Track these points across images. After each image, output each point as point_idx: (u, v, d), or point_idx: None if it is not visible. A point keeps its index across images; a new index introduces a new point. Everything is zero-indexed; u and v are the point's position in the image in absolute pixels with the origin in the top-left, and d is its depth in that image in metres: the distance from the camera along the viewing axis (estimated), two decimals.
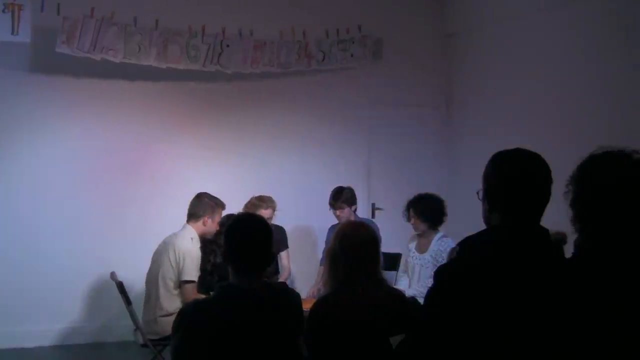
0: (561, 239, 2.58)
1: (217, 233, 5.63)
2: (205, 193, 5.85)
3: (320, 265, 6.94)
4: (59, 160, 7.34)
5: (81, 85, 7.39)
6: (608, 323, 1.79)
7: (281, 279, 6.71)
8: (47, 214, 7.27)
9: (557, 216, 2.49)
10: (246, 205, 6.60)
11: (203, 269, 5.66)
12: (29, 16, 6.61)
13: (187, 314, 3.15)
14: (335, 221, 6.68)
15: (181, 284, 5.51)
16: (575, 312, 2.11)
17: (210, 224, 5.72)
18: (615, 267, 2.11)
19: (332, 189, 6.86)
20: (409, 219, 6.13)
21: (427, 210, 6.04)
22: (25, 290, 7.11)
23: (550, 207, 2.40)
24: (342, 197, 6.67)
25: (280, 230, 6.79)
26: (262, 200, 6.59)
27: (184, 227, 5.75)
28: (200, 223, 5.71)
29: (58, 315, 7.28)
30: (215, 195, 5.86)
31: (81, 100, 7.42)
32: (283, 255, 6.89)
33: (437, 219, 6.07)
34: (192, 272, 5.49)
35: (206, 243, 5.75)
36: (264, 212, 6.35)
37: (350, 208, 6.70)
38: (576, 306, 2.11)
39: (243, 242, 3.23)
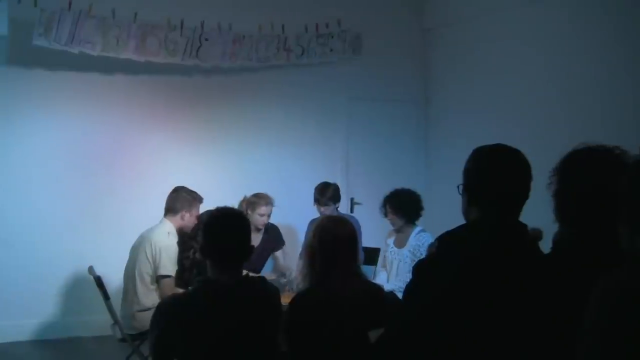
0: (537, 235, 2.60)
1: (196, 229, 5.58)
2: (183, 187, 5.83)
3: (299, 259, 6.93)
4: (35, 153, 7.28)
5: (58, 78, 7.32)
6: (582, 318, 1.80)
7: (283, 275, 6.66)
8: (23, 208, 7.20)
9: (536, 212, 2.51)
10: (241, 204, 6.39)
11: (181, 264, 5.64)
12: (5, 8, 6.56)
13: (166, 309, 3.15)
14: (316, 215, 6.67)
15: (158, 278, 5.48)
16: (552, 307, 2.13)
17: (189, 218, 5.70)
18: (592, 263, 2.13)
19: (310, 184, 6.85)
20: (385, 215, 6.15)
21: (403, 206, 6.05)
22: (1, 285, 7.05)
23: (529, 203, 2.41)
24: (328, 193, 6.67)
25: (276, 229, 6.73)
26: (261, 197, 6.37)
27: (161, 221, 5.72)
28: (178, 217, 5.69)
29: (35, 310, 7.23)
30: (190, 188, 5.84)
31: (58, 93, 7.35)
32: (279, 254, 6.72)
33: (413, 214, 6.08)
34: (168, 267, 5.47)
35: (185, 239, 5.73)
36: (264, 209, 6.29)
37: (335, 205, 6.72)
38: (553, 301, 2.13)
39: (221, 235, 3.23)
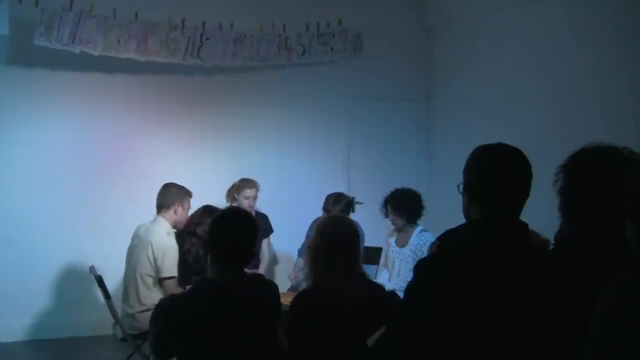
0: (544, 245, 2.58)
1: (195, 224, 5.55)
2: (172, 183, 5.85)
3: (298, 257, 6.96)
4: (36, 153, 7.27)
5: (60, 78, 7.32)
6: (586, 316, 1.80)
7: (261, 267, 6.74)
8: (24, 207, 7.20)
9: (538, 211, 2.50)
10: (229, 190, 6.78)
11: (183, 258, 5.61)
12: (6, 8, 6.55)
13: (164, 309, 3.16)
14: (319, 215, 6.65)
15: (161, 280, 5.47)
16: (554, 304, 2.12)
17: (181, 212, 5.69)
18: (596, 261, 2.12)
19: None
20: (386, 215, 6.14)
21: (404, 206, 6.04)
22: (2, 284, 7.05)
23: (530, 202, 2.41)
24: (339, 207, 6.56)
25: (264, 218, 6.85)
26: (245, 181, 6.76)
27: (155, 219, 5.70)
28: (171, 212, 5.68)
29: (36, 310, 7.24)
30: (191, 188, 5.86)
31: (60, 93, 7.35)
32: (264, 243, 6.90)
33: (414, 213, 6.07)
34: (172, 268, 5.44)
35: (184, 234, 5.71)
36: (249, 192, 6.65)
37: None
38: (555, 299, 2.12)
39: (225, 233, 3.24)
